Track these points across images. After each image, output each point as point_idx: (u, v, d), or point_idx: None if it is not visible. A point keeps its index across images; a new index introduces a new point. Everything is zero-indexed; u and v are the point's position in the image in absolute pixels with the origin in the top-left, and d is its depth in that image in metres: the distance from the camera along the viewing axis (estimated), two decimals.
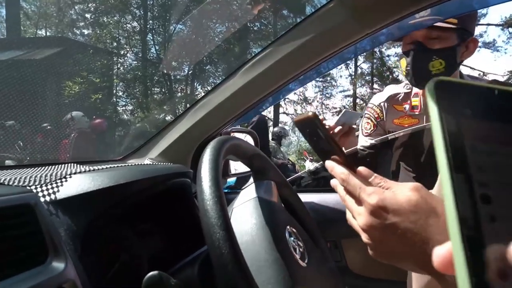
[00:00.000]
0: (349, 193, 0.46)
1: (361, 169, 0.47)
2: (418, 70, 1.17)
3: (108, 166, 0.74)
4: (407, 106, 1.31)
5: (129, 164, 0.78)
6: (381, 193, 0.42)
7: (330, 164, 0.48)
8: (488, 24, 12.81)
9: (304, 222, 0.77)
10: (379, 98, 1.38)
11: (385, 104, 1.35)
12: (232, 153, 0.62)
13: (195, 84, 14.06)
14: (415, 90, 1.32)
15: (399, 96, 1.34)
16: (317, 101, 15.59)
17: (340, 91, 15.66)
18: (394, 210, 0.41)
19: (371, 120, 1.38)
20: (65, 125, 5.02)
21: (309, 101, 15.43)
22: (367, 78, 15.21)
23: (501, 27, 12.60)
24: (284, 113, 15.21)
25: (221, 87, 1.06)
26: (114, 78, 12.77)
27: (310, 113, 0.45)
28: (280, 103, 14.04)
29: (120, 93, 13.24)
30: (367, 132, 1.39)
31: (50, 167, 0.75)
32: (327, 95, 15.57)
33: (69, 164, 0.81)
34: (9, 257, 0.37)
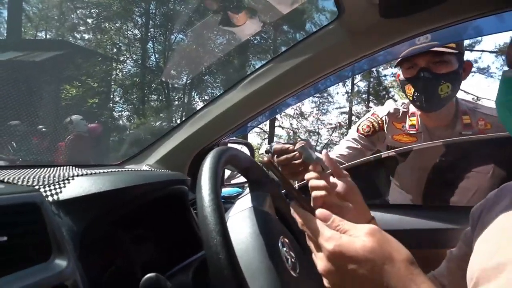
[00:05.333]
0: (309, 237, 0.46)
1: (319, 212, 0.46)
2: (429, 95, 1.19)
3: (108, 170, 0.75)
4: (405, 125, 1.35)
5: (129, 170, 0.80)
6: (338, 238, 0.42)
7: (291, 207, 0.49)
8: (483, 51, 13.13)
9: (297, 234, 0.79)
10: (382, 111, 1.41)
11: (386, 118, 1.38)
12: (231, 163, 0.65)
13: (193, 93, 14.14)
14: (412, 109, 1.35)
15: (398, 114, 1.38)
16: (313, 116, 15.72)
17: (336, 108, 15.84)
18: (350, 257, 0.41)
19: (373, 126, 1.39)
20: (63, 128, 5.01)
21: (305, 116, 15.56)
22: (363, 96, 15.41)
23: (495, 54, 12.91)
24: (279, 126, 15.29)
25: (221, 99, 1.09)
26: (112, 83, 12.80)
27: (266, 158, 0.46)
28: (276, 116, 14.13)
29: (118, 99, 13.26)
30: (362, 133, 1.40)
31: (51, 168, 0.77)
32: (323, 110, 15.72)
33: (69, 167, 0.82)
34: (14, 253, 0.39)
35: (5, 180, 0.53)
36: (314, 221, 0.46)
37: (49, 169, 0.76)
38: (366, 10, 0.82)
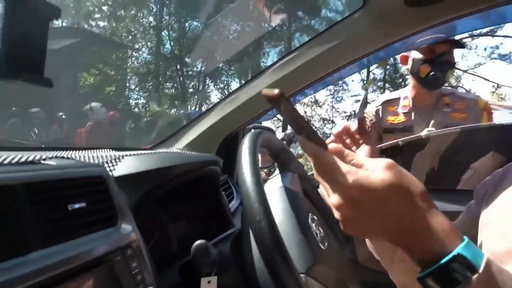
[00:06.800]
0: (322, 171, 0.44)
1: (333, 145, 0.45)
2: (441, 76, 1.47)
3: (146, 152, 0.81)
4: (398, 107, 1.65)
5: (166, 151, 0.86)
6: (355, 173, 0.41)
7: (301, 141, 0.45)
8: (505, 36, 12.71)
9: (323, 212, 0.84)
10: (374, 104, 1.72)
11: (380, 107, 1.68)
12: (264, 145, 0.70)
13: (207, 81, 14.20)
14: (404, 94, 1.65)
15: (391, 100, 1.68)
16: (328, 104, 15.59)
17: (352, 96, 15.64)
18: (368, 191, 0.40)
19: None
20: (83, 115, 5.15)
21: (320, 104, 15.45)
22: (379, 84, 15.18)
23: None
24: None
25: (247, 86, 1.14)
26: (128, 71, 12.93)
27: (276, 91, 0.40)
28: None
29: (133, 87, 13.42)
30: None
31: (92, 150, 0.84)
32: (338, 98, 15.55)
33: (106, 149, 0.89)
34: (90, 217, 0.45)
35: (71, 157, 0.59)
36: (328, 155, 0.43)
37: (91, 150, 0.82)
38: None
